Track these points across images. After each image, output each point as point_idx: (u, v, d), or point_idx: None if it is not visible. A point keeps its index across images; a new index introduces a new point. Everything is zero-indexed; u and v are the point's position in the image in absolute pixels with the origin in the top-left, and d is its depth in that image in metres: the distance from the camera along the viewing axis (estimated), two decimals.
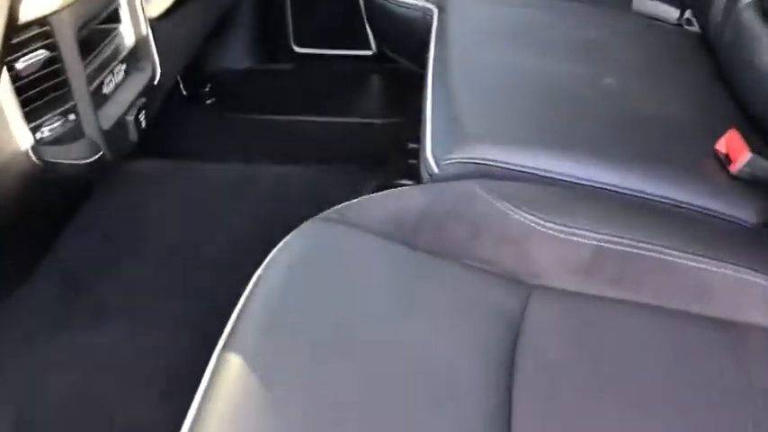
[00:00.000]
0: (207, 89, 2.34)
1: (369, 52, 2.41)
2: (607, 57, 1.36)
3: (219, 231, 1.59)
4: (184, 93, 2.31)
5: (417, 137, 1.78)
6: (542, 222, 0.92)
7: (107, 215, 1.61)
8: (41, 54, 1.14)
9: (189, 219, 1.62)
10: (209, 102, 2.31)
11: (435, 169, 1.07)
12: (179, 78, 2.27)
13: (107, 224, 1.60)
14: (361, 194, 1.60)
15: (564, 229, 0.91)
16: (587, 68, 1.30)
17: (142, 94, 1.41)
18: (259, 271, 0.90)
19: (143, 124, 1.41)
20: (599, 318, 0.84)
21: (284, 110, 2.21)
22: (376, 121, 2.17)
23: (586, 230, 0.92)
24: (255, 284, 0.88)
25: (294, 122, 2.18)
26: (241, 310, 0.84)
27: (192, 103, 2.29)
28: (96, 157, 1.29)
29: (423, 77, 1.44)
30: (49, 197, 1.39)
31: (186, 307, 1.39)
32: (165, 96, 1.62)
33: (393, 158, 1.85)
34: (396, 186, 1.65)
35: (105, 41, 1.32)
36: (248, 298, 0.85)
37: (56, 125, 1.20)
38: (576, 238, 0.91)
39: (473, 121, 1.11)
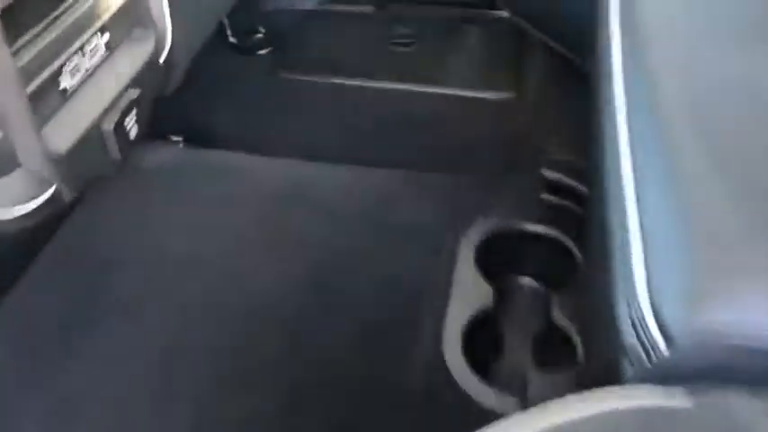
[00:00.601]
0: (259, 35, 1.79)
1: None
2: None
3: (247, 277, 1.07)
4: (232, 40, 1.77)
5: (555, 142, 1.21)
6: None
7: (89, 240, 1.11)
8: None
9: (206, 252, 1.11)
10: (261, 53, 1.76)
11: (664, 350, 0.51)
12: (225, 21, 1.73)
13: (89, 255, 1.10)
14: (464, 236, 1.07)
15: None
16: None
17: (136, 81, 0.88)
18: None
19: (133, 133, 0.88)
20: None
21: (358, 70, 1.65)
22: (484, 96, 1.59)
23: None
24: None
25: (371, 90, 1.62)
26: None
27: (238, 55, 1.75)
28: (43, 199, 0.78)
29: (591, 79, 0.88)
30: None
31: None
32: (184, 75, 1.08)
33: (516, 163, 1.29)
34: (519, 233, 1.06)
35: (64, 4, 0.78)
36: None
37: None
38: None
39: (748, 228, 0.55)
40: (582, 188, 0.99)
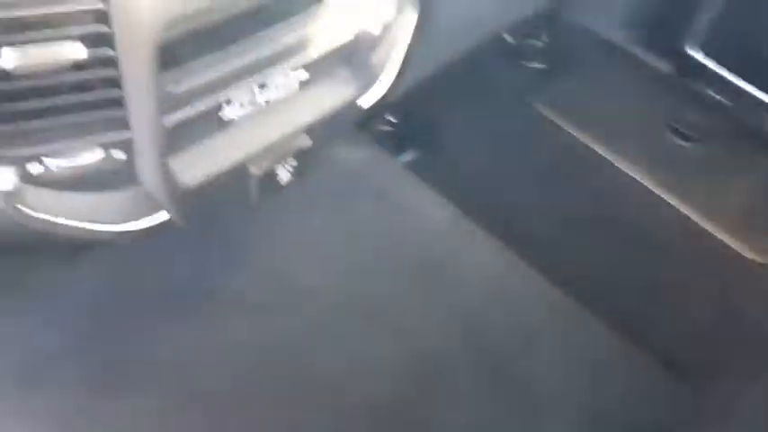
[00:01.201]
0: (538, 43, 1.59)
1: None
2: None
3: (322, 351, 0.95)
4: (509, 39, 1.57)
5: None
6: None
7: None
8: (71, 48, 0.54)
9: (307, 300, 0.99)
10: (532, 65, 1.55)
11: None
12: None
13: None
14: None
15: None
16: None
17: (318, 123, 0.76)
18: None
19: (286, 180, 0.77)
20: None
21: (616, 145, 1.37)
22: (739, 250, 1.26)
23: None
24: None
25: (619, 173, 1.36)
26: None
27: (509, 54, 1.56)
28: (153, 222, 0.70)
29: None
30: None
31: None
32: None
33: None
34: None
35: (261, 33, 0.67)
36: None
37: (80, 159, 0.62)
38: None
39: None
40: None
